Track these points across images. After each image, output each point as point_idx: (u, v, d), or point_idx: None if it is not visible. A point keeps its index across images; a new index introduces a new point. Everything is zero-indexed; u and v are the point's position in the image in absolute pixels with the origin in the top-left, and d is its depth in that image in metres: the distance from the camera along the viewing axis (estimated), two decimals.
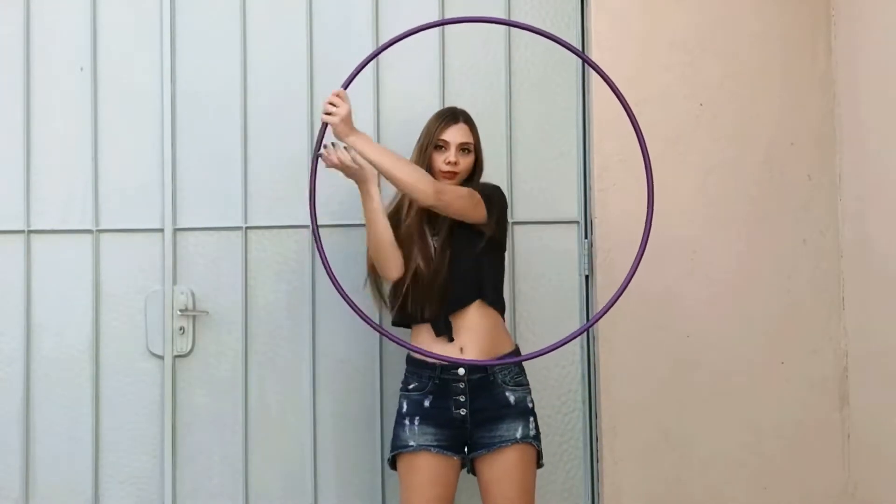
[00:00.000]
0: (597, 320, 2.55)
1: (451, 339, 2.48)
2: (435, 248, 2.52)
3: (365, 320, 2.44)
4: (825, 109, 2.99)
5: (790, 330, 2.96)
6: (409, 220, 2.54)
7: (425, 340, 2.50)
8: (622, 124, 2.87)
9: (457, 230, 2.51)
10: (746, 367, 2.94)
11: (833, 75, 2.98)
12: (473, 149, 2.59)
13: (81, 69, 2.87)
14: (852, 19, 2.90)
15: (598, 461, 2.91)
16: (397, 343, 2.48)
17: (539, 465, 2.54)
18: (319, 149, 2.44)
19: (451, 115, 2.60)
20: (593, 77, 2.92)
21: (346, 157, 2.43)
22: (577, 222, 2.96)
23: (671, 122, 2.94)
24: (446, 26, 2.93)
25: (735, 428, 2.93)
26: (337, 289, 2.41)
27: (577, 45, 2.97)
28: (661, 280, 2.87)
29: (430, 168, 2.55)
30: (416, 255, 2.50)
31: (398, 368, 2.85)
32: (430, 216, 2.53)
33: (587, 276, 2.94)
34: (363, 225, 2.87)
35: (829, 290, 2.97)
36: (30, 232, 2.83)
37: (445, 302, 2.49)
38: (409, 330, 2.57)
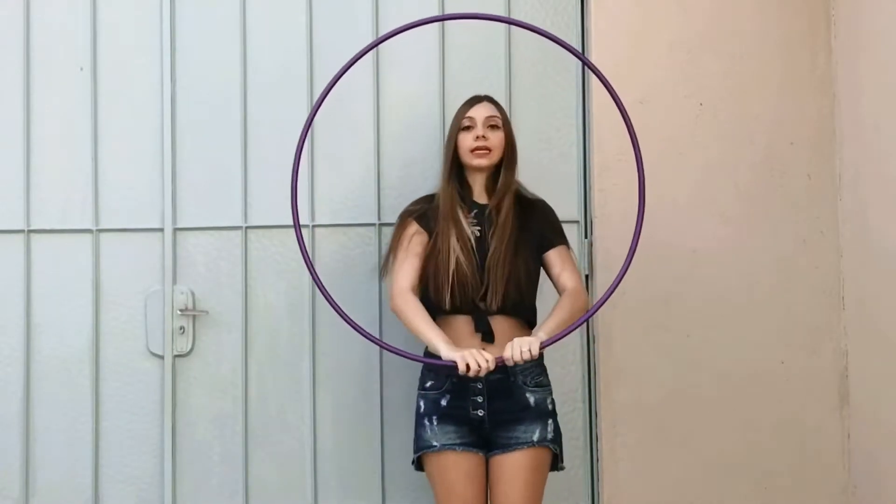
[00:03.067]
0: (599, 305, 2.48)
1: (491, 340, 2.43)
2: (475, 238, 2.47)
3: (363, 333, 2.42)
4: (825, 109, 2.98)
5: (790, 330, 2.96)
6: (443, 202, 2.50)
7: (456, 335, 2.42)
8: (622, 124, 2.88)
9: (520, 238, 2.49)
10: (746, 367, 2.93)
11: (833, 75, 2.98)
12: (502, 125, 2.55)
13: (81, 69, 2.87)
14: (852, 19, 2.90)
15: (598, 461, 2.91)
16: (391, 351, 2.44)
17: (559, 467, 2.52)
18: (301, 153, 2.42)
19: (475, 98, 2.59)
20: (593, 77, 2.92)
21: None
22: (577, 222, 2.96)
23: (671, 122, 2.94)
24: (447, 25, 2.93)
25: (735, 428, 2.92)
26: (327, 299, 2.41)
27: (576, 45, 2.97)
28: (661, 280, 2.87)
29: (458, 156, 2.53)
30: (453, 244, 2.44)
31: (398, 368, 2.87)
32: (462, 199, 2.51)
33: (587, 276, 2.94)
34: (362, 224, 2.89)
35: (829, 290, 2.96)
36: (30, 231, 2.84)
37: (500, 300, 2.44)
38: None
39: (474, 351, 2.28)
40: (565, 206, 2.94)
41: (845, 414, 2.96)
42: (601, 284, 2.89)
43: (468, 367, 2.26)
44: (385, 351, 2.85)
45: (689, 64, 2.96)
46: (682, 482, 2.91)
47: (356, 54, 2.42)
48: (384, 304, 2.87)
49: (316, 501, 2.86)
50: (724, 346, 2.93)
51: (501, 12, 2.95)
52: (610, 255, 2.90)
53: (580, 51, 2.96)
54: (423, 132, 2.93)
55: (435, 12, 2.92)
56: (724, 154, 2.96)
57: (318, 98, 2.45)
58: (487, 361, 2.27)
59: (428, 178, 2.92)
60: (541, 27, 2.95)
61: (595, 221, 2.92)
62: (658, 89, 2.94)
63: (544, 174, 2.94)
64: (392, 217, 2.89)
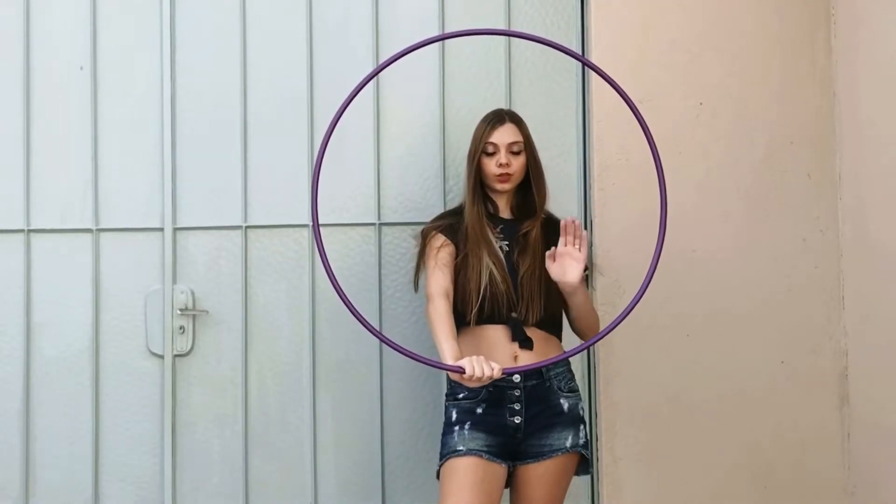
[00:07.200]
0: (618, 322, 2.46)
1: (530, 347, 2.43)
2: (504, 251, 2.50)
3: (367, 327, 2.37)
4: (825, 109, 2.99)
5: (790, 330, 2.96)
6: (472, 221, 2.50)
7: (490, 345, 2.43)
8: (622, 124, 2.89)
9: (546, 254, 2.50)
10: (746, 367, 2.93)
11: (833, 75, 2.98)
12: (524, 148, 2.55)
13: (81, 69, 2.87)
14: (852, 19, 2.90)
15: (598, 461, 2.91)
16: (396, 349, 2.35)
17: (587, 472, 2.53)
18: (325, 150, 2.35)
19: (497, 117, 2.55)
20: (593, 77, 2.92)
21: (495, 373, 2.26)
22: None
23: (670, 122, 2.94)
24: (446, 25, 2.93)
25: (735, 428, 2.92)
26: (340, 295, 2.34)
27: (576, 45, 2.97)
28: (660, 279, 2.86)
29: (481, 175, 2.53)
30: (486, 261, 2.45)
31: (398, 368, 2.87)
32: (488, 217, 2.53)
33: (587, 276, 2.93)
34: (364, 224, 2.89)
35: (829, 290, 2.96)
36: (30, 231, 2.84)
37: (538, 312, 2.45)
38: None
39: (481, 358, 2.25)
40: (565, 206, 2.94)
41: (845, 414, 2.95)
42: (601, 285, 2.90)
43: (474, 371, 2.22)
44: (385, 350, 2.86)
45: (689, 64, 2.96)
46: (682, 481, 2.90)
47: (375, 68, 2.36)
48: (384, 303, 2.88)
49: (316, 501, 2.86)
50: (724, 346, 2.93)
51: (502, 15, 2.95)
52: (610, 255, 2.90)
53: (580, 52, 2.96)
54: (424, 132, 2.93)
55: (435, 17, 2.93)
56: (724, 154, 2.96)
57: (339, 109, 2.36)
58: (493, 370, 2.24)
59: (428, 178, 2.92)
60: (542, 27, 2.99)
61: (595, 221, 2.92)
62: (658, 89, 2.94)
63: (544, 174, 2.94)
64: (392, 217, 2.90)
